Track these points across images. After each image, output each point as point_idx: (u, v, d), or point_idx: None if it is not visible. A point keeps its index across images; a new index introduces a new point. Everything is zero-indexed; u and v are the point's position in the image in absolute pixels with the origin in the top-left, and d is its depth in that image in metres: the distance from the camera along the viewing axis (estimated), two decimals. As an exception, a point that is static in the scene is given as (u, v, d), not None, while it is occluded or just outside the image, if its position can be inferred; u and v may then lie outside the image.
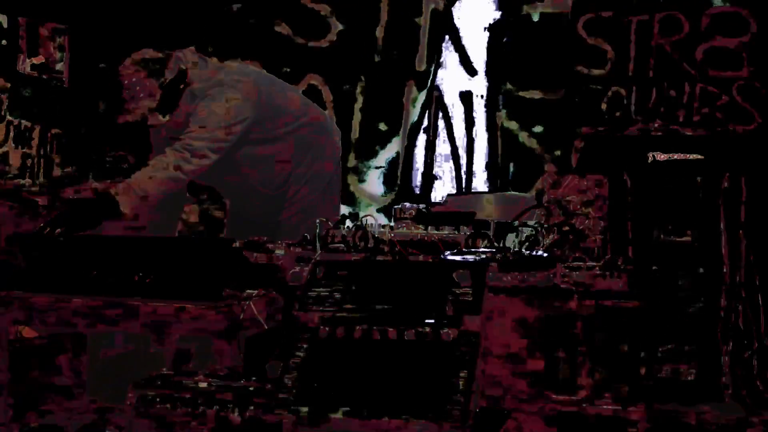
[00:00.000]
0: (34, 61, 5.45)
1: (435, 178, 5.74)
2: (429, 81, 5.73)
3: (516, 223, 3.02)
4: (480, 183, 5.67)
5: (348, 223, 2.97)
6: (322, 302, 2.56)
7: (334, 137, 4.30)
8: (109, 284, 2.74)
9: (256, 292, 2.65)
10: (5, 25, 5.26)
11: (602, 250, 2.75)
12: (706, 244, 2.72)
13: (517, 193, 5.27)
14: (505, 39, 5.62)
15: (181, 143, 3.63)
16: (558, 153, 5.43)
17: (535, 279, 2.62)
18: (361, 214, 5.01)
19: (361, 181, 5.78)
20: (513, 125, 5.61)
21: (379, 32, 5.77)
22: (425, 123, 5.75)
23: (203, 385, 2.49)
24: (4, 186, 4.73)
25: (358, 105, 5.79)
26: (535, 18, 5.54)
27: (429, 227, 2.94)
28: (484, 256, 2.71)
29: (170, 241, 3.45)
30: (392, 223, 3.07)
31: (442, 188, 5.71)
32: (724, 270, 2.70)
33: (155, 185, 3.54)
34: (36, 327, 2.91)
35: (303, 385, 2.37)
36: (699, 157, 2.76)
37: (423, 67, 5.73)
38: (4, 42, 5.26)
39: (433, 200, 5.54)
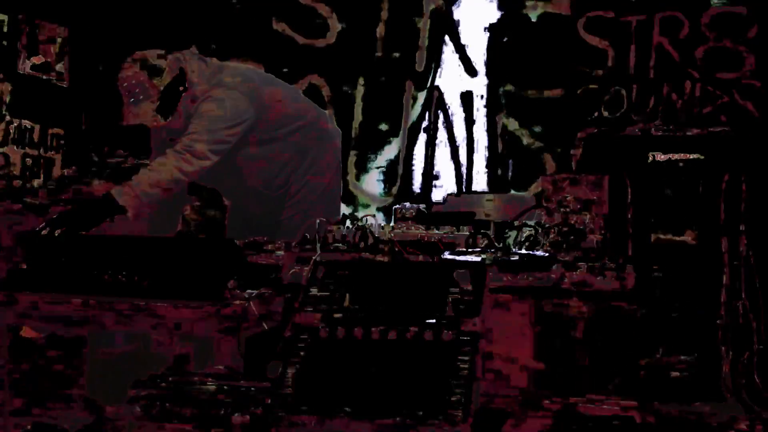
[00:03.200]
0: (34, 61, 5.46)
1: (435, 178, 5.74)
2: (429, 81, 5.73)
3: (516, 223, 3.02)
4: (480, 183, 5.67)
5: (348, 223, 2.97)
6: (322, 302, 2.56)
7: (335, 137, 4.30)
8: (109, 284, 2.74)
9: (256, 292, 2.65)
10: (5, 25, 5.26)
11: (602, 250, 2.75)
12: (706, 244, 2.72)
13: (517, 193, 5.28)
14: (505, 39, 5.62)
15: (181, 144, 3.63)
16: (558, 153, 5.44)
17: (535, 279, 2.62)
18: (361, 214, 5.01)
19: (361, 181, 5.78)
20: (513, 125, 5.62)
21: (379, 32, 5.77)
22: (425, 123, 5.75)
23: (203, 385, 2.49)
24: (4, 186, 4.74)
25: (358, 105, 5.79)
26: (535, 18, 5.55)
27: (429, 227, 2.94)
28: (484, 256, 2.71)
29: (170, 241, 3.45)
30: (392, 223, 3.07)
31: (442, 188, 5.72)
32: (724, 270, 2.70)
33: (156, 186, 3.54)
34: (36, 327, 2.91)
35: (303, 385, 2.37)
36: (699, 157, 2.76)
37: (423, 67, 5.74)
38: (4, 42, 5.26)
39: (433, 200, 5.54)
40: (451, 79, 5.74)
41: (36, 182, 5.24)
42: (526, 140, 5.59)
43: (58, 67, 5.64)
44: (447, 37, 5.73)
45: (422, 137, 5.77)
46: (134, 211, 3.47)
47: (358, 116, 5.79)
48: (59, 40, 5.64)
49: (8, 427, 2.86)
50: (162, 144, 3.83)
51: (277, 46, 5.82)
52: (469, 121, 5.70)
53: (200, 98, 3.73)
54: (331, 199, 4.19)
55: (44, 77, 5.53)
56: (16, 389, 2.91)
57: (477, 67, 5.68)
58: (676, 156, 2.78)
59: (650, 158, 2.77)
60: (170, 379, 2.54)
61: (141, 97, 3.66)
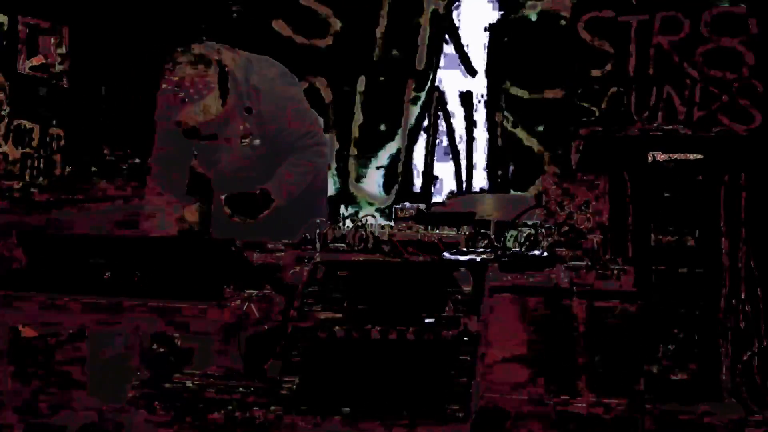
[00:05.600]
0: (34, 61, 5.45)
1: (435, 178, 5.74)
2: (429, 81, 5.73)
3: (516, 223, 3.02)
4: (480, 183, 5.68)
5: (348, 223, 2.97)
6: (322, 302, 2.56)
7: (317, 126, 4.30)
8: (109, 284, 2.74)
9: (256, 292, 2.65)
10: (5, 25, 5.26)
11: (602, 250, 2.75)
12: (706, 244, 2.72)
13: (517, 193, 5.28)
14: (505, 39, 5.62)
15: (309, 139, 3.76)
16: (558, 153, 5.44)
17: (535, 279, 2.62)
18: (361, 214, 5.01)
19: (361, 181, 5.78)
20: (513, 125, 5.62)
21: (379, 32, 5.77)
22: (425, 123, 5.75)
23: (203, 385, 2.49)
24: (5, 186, 4.74)
25: (358, 105, 5.79)
26: (535, 18, 5.55)
27: (429, 227, 2.94)
28: (484, 256, 2.71)
29: (170, 241, 3.45)
30: (392, 223, 3.07)
31: (442, 188, 5.72)
32: (724, 270, 2.70)
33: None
34: (36, 327, 2.91)
35: (303, 385, 2.37)
36: (699, 157, 2.76)
37: (423, 67, 5.73)
38: (4, 42, 5.26)
39: (433, 200, 5.54)
40: (451, 79, 5.74)
41: (36, 182, 5.24)
42: (526, 140, 5.59)
43: (58, 67, 5.64)
44: (447, 37, 5.73)
45: (422, 137, 5.77)
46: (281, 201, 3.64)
47: (358, 116, 5.79)
48: (59, 40, 5.63)
49: (8, 426, 2.86)
50: (170, 137, 3.77)
51: (277, 46, 5.82)
52: (469, 121, 5.70)
53: (261, 88, 3.72)
54: (320, 190, 4.19)
55: (44, 77, 5.52)
56: (16, 389, 2.91)
57: (477, 67, 5.69)
58: (676, 156, 2.78)
59: (650, 158, 2.77)
60: (170, 378, 2.54)
61: (204, 92, 3.60)
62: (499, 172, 5.64)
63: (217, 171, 3.82)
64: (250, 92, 3.73)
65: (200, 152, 3.74)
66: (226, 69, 3.66)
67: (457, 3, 5.71)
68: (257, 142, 3.77)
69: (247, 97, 3.72)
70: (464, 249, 2.82)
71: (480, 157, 5.69)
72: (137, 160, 5.27)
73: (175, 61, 3.61)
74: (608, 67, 5.41)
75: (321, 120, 4.09)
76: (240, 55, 3.80)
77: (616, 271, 2.61)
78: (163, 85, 3.69)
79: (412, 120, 5.75)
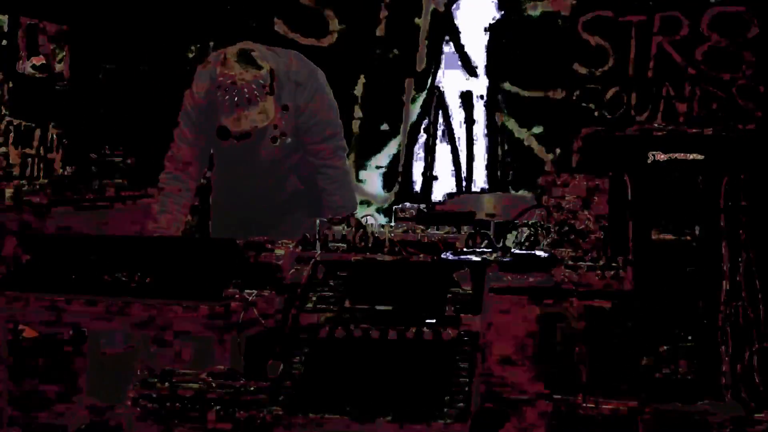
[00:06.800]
0: (34, 61, 5.46)
1: (435, 178, 5.74)
2: (429, 81, 5.73)
3: (516, 223, 3.02)
4: (480, 183, 5.68)
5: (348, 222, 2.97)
6: (322, 302, 2.56)
7: None
8: (109, 284, 2.74)
9: (256, 292, 2.65)
10: (5, 25, 5.26)
11: (602, 250, 2.75)
12: (706, 243, 2.72)
13: (517, 193, 5.28)
14: (505, 39, 5.62)
15: (340, 142, 3.81)
16: (558, 153, 5.44)
17: (535, 279, 2.62)
18: (361, 214, 5.00)
19: (361, 181, 5.78)
20: (513, 125, 5.62)
21: (379, 32, 5.77)
22: (425, 123, 5.76)
23: (203, 384, 2.49)
24: (5, 187, 4.74)
25: (358, 105, 5.79)
26: (535, 18, 5.55)
27: (429, 227, 2.94)
28: (484, 256, 2.71)
29: (170, 241, 3.45)
30: (392, 223, 3.07)
31: (442, 188, 5.72)
32: (724, 270, 2.70)
33: None
34: (36, 327, 2.91)
35: (303, 385, 2.37)
36: (699, 157, 2.76)
37: (423, 67, 5.74)
38: (4, 42, 5.27)
39: (433, 200, 5.55)
40: (451, 79, 5.74)
41: (36, 182, 5.24)
42: (526, 140, 5.59)
43: (58, 67, 5.64)
44: (447, 37, 5.73)
45: (422, 137, 5.77)
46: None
47: (358, 116, 5.79)
48: (59, 40, 5.64)
49: (9, 426, 2.86)
50: (201, 135, 3.69)
51: (277, 46, 5.82)
52: (469, 121, 5.70)
53: (306, 87, 3.67)
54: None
55: (44, 77, 5.52)
56: (16, 389, 2.91)
57: (477, 67, 5.69)
58: (676, 156, 2.78)
59: (650, 158, 2.77)
60: (170, 379, 2.54)
61: (260, 98, 3.48)
62: (499, 172, 5.65)
63: (247, 165, 3.79)
64: (290, 88, 3.65)
65: (229, 151, 3.71)
66: (273, 70, 3.55)
67: (457, 3, 5.71)
68: (288, 140, 3.72)
69: (287, 95, 3.64)
70: (464, 249, 2.82)
71: (480, 157, 5.69)
72: (131, 161, 5.28)
73: (219, 62, 3.50)
74: (608, 67, 5.41)
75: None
76: (277, 53, 3.73)
77: (615, 271, 2.61)
78: (201, 87, 3.62)
79: (412, 120, 5.76)
